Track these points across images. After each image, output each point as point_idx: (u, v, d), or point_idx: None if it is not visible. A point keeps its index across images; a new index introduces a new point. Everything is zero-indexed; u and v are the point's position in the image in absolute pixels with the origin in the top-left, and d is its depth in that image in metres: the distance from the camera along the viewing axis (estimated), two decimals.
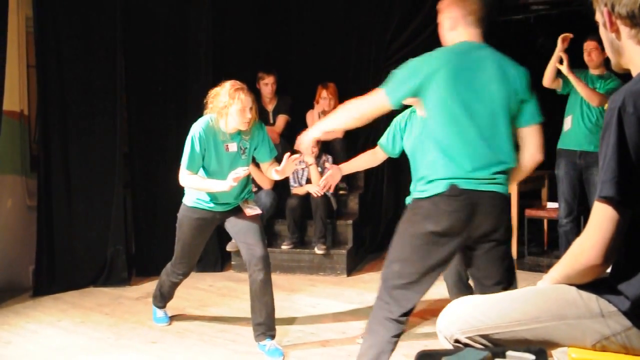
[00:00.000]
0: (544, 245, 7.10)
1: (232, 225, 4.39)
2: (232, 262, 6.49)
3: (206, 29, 6.52)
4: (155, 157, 6.32)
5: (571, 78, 5.43)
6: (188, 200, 4.39)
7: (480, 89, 2.95)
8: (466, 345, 2.03)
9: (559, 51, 5.44)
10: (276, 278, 6.00)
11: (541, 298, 2.04)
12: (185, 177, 4.17)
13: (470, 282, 4.25)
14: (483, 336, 2.03)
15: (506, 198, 3.03)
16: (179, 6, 6.43)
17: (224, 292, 5.74)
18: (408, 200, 4.36)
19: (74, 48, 5.80)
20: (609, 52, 2.01)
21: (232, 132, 4.21)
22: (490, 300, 2.12)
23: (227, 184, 4.00)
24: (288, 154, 4.14)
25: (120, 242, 6.00)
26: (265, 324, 4.24)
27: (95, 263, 5.96)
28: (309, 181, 6.40)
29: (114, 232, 6.00)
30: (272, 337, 4.25)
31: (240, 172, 4.00)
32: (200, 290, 5.75)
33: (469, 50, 3.01)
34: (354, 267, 6.50)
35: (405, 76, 3.00)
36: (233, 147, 4.23)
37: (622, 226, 1.82)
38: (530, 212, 6.83)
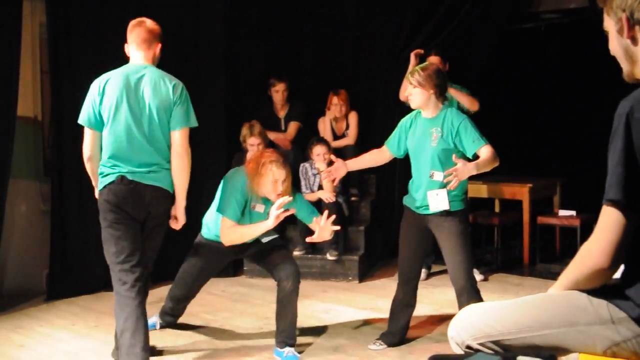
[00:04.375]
0: (556, 252, 7.07)
1: (256, 257, 4.49)
2: (245, 268, 6.51)
3: (219, 36, 6.56)
4: None
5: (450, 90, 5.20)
6: (206, 234, 4.47)
7: (142, 102, 3.87)
8: (477, 351, 2.04)
9: (412, 67, 5.39)
10: None
11: (552, 304, 2.04)
12: (229, 231, 4.18)
13: (479, 286, 4.26)
14: (494, 342, 2.03)
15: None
16: (191, 13, 6.47)
17: (236, 298, 5.76)
18: (405, 200, 4.37)
19: (87, 54, 5.83)
20: (621, 61, 1.98)
21: (262, 196, 4.26)
22: (502, 307, 2.13)
23: (271, 221, 4.05)
24: (323, 218, 4.17)
25: None
26: (287, 330, 4.27)
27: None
28: (320, 187, 6.41)
29: None
30: (292, 346, 4.28)
31: (285, 199, 4.04)
32: (212, 295, 5.77)
33: (131, 72, 3.98)
34: (365, 273, 6.50)
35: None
36: (260, 208, 4.29)
37: (629, 230, 1.83)
38: (542, 219, 6.81)
